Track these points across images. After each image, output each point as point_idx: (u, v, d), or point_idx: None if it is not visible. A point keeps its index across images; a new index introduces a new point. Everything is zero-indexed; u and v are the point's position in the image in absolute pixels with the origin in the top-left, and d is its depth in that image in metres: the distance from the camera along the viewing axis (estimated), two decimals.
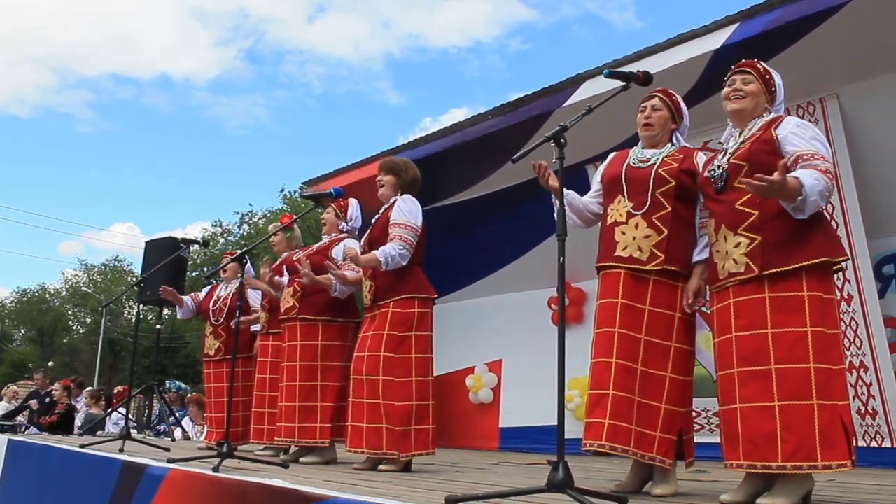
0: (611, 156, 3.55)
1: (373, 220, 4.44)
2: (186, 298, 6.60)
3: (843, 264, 2.90)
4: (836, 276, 2.89)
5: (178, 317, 6.91)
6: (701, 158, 3.28)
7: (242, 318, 5.92)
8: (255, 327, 6.11)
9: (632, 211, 3.24)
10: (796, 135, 2.85)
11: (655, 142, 3.42)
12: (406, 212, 4.24)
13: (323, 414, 4.67)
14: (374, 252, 4.15)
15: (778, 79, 3.11)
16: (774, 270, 2.76)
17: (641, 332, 3.12)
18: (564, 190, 3.33)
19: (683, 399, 3.17)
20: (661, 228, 3.18)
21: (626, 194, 3.29)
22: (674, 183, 3.22)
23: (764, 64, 3.13)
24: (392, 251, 4.12)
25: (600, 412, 3.04)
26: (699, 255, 3.20)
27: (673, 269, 3.17)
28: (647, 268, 3.17)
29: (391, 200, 4.39)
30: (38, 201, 67.00)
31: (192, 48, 60.87)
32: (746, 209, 2.86)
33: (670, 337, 3.16)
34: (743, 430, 2.77)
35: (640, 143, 3.48)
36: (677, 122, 3.46)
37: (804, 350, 2.69)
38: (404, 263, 4.16)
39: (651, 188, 3.23)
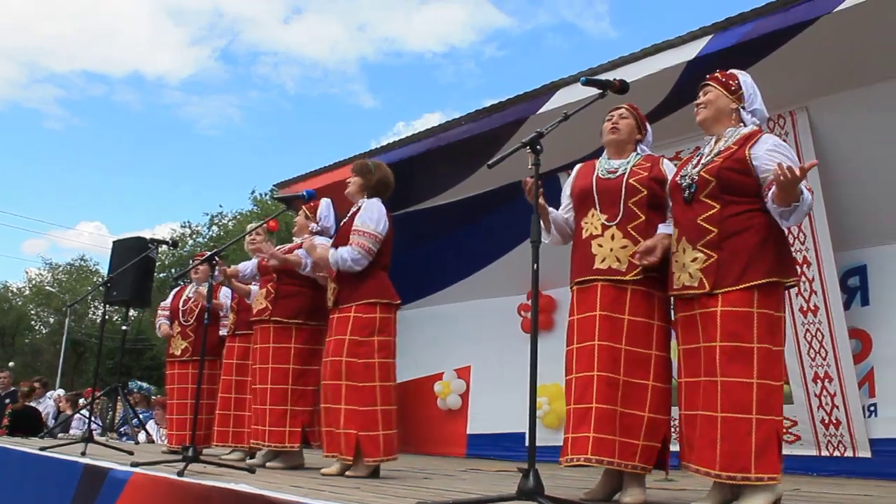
0: (577, 168, 3.56)
1: (342, 224, 4.43)
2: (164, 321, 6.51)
3: (794, 282, 2.95)
4: (787, 292, 2.95)
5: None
6: (667, 165, 3.33)
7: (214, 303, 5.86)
8: (224, 332, 6.05)
9: (606, 223, 3.26)
10: (776, 153, 2.87)
11: (620, 148, 3.44)
12: (367, 218, 4.22)
13: (293, 418, 4.61)
14: (330, 250, 4.19)
15: (743, 77, 3.13)
16: (724, 290, 2.82)
17: (622, 343, 3.14)
18: (550, 210, 3.36)
19: (665, 407, 3.19)
20: (637, 238, 3.20)
21: (598, 206, 3.31)
22: (645, 192, 3.25)
23: (729, 71, 3.16)
24: (345, 254, 4.13)
25: (585, 427, 3.06)
26: (665, 229, 3.19)
27: (652, 275, 3.19)
28: (627, 278, 3.18)
29: (358, 204, 4.38)
30: (2, 198, 65.80)
31: (166, 46, 60.06)
32: (707, 226, 2.91)
33: (650, 345, 3.18)
34: (690, 434, 2.88)
35: (605, 153, 3.50)
36: (641, 134, 3.50)
37: (749, 365, 2.75)
38: (357, 269, 4.14)
39: (623, 198, 3.25)
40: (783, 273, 2.86)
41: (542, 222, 3.31)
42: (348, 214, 4.40)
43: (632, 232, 3.21)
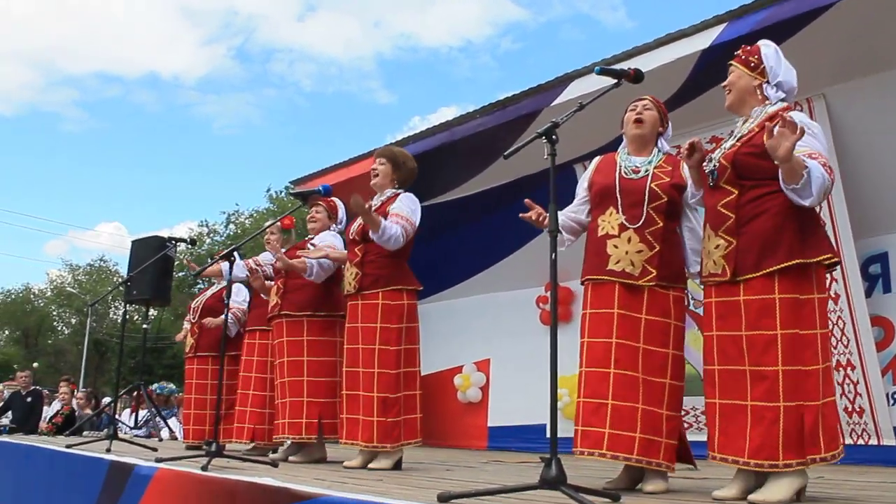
0: (596, 161, 3.53)
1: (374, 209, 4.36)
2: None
3: (834, 262, 2.85)
4: (828, 273, 2.87)
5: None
6: (687, 171, 3.30)
7: (206, 321, 5.94)
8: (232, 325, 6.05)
9: (625, 224, 3.23)
10: None
11: (643, 143, 3.40)
12: (408, 208, 4.24)
13: (309, 409, 4.66)
14: (383, 220, 4.07)
15: (765, 49, 3.02)
16: (744, 278, 2.79)
17: (639, 341, 3.14)
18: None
19: (679, 405, 3.21)
20: (653, 244, 3.19)
21: (619, 207, 3.27)
22: (665, 199, 3.23)
23: (754, 44, 3.06)
24: (396, 229, 4.08)
25: (598, 421, 3.08)
26: None
27: (665, 281, 3.20)
28: (640, 283, 3.18)
29: (388, 194, 4.35)
30: (23, 201, 66.35)
31: (181, 46, 60.32)
32: (725, 212, 2.89)
33: (667, 344, 3.18)
34: (720, 424, 2.84)
35: (624, 146, 3.47)
36: (664, 127, 3.47)
37: (773, 353, 2.71)
38: (393, 248, 4.12)
39: (646, 202, 3.23)
40: (807, 254, 2.75)
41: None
42: (376, 201, 4.34)
43: (649, 237, 3.20)
